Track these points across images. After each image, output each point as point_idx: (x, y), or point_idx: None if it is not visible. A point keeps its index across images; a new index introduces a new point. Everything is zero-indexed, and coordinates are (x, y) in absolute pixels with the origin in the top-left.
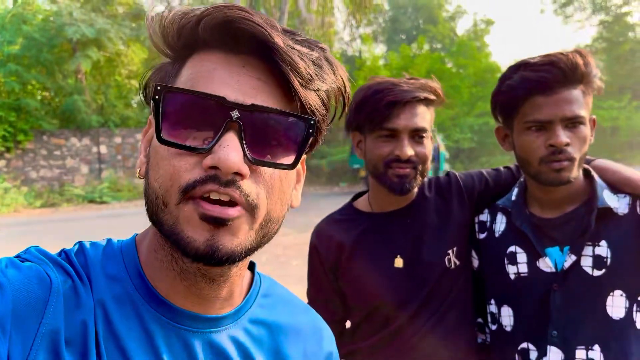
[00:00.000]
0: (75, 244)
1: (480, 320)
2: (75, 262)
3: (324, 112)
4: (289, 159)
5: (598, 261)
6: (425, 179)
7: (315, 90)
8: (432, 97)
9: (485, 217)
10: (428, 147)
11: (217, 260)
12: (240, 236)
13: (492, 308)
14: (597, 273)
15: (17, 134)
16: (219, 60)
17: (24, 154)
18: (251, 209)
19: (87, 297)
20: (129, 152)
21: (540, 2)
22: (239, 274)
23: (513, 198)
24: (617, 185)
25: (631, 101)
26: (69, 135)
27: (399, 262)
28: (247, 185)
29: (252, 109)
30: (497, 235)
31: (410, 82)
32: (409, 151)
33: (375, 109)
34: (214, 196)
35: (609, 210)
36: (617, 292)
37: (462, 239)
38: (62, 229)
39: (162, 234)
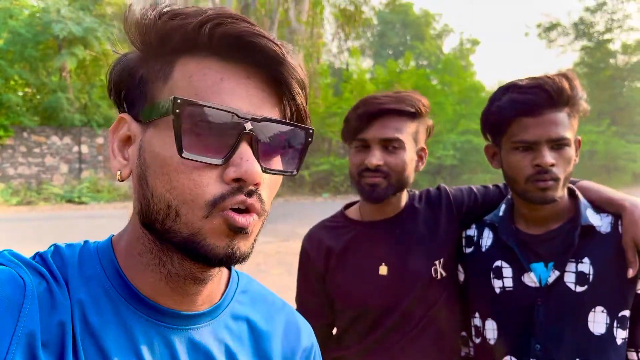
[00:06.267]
0: (50, 246)
1: (463, 333)
2: (51, 264)
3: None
4: (292, 166)
5: (581, 277)
6: (416, 191)
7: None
8: (409, 109)
9: (472, 232)
10: (402, 158)
11: (234, 263)
12: (251, 239)
13: (477, 321)
14: (579, 289)
15: None
16: (224, 70)
17: (3, 150)
18: (261, 214)
19: (64, 298)
20: None
21: (525, 26)
22: (221, 271)
23: (500, 214)
24: (600, 205)
25: (609, 127)
26: (50, 133)
27: (383, 270)
28: (263, 194)
29: (263, 120)
30: (483, 249)
31: (391, 95)
32: (375, 160)
33: (352, 121)
34: (240, 206)
35: (592, 229)
36: (599, 308)
37: (449, 250)
38: (38, 228)
39: (170, 242)
